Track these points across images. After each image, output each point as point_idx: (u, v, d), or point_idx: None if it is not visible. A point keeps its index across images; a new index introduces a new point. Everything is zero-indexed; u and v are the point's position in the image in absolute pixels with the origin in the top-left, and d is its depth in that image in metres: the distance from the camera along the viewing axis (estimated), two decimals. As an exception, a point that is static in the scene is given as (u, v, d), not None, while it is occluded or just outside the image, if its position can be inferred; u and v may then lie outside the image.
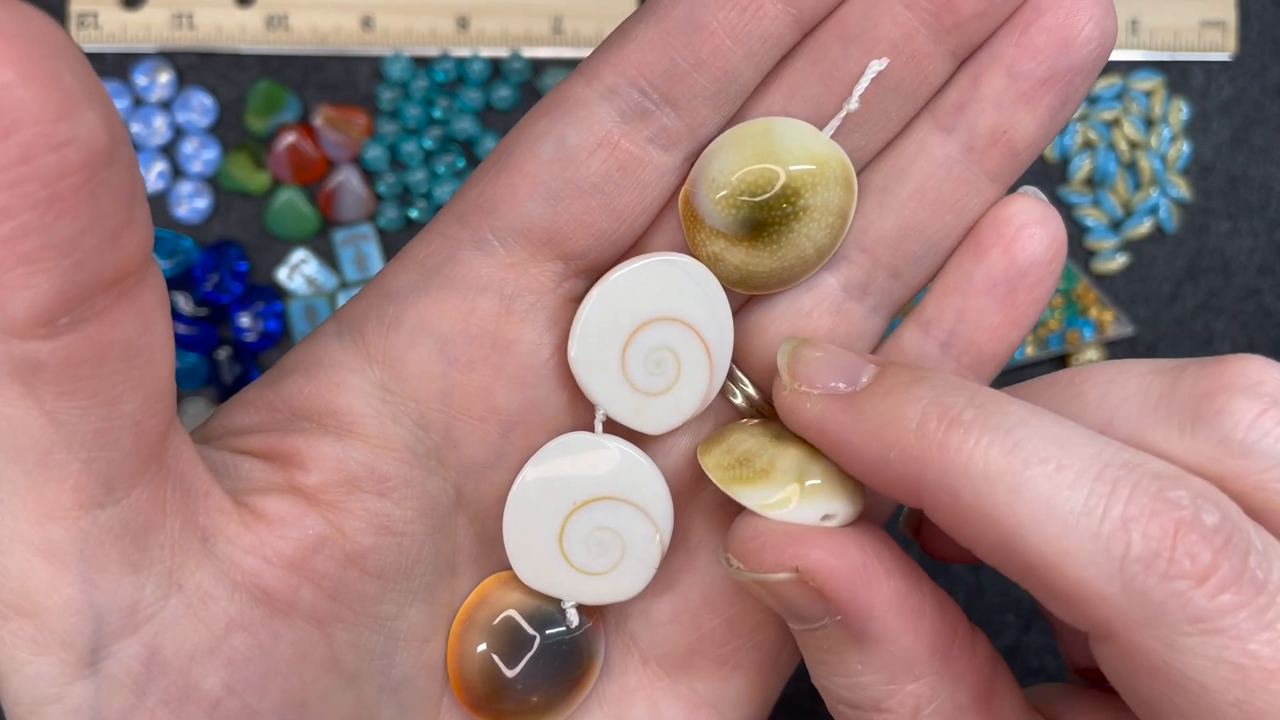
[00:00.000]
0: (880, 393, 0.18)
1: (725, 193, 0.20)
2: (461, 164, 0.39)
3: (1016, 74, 0.20)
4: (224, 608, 0.18)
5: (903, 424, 0.17)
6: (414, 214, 0.39)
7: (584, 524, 0.21)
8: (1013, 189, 0.21)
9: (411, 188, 0.39)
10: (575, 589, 0.21)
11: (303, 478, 0.19)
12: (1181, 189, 0.39)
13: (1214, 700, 0.15)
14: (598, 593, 0.21)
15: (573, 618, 0.22)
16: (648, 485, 0.21)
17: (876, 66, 0.20)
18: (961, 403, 0.17)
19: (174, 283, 0.38)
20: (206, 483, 0.18)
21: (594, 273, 0.21)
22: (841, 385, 0.19)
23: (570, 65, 0.39)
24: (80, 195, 0.15)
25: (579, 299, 0.21)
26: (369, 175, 0.39)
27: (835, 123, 0.21)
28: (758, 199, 0.20)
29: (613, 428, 0.21)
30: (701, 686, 0.22)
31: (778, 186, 0.20)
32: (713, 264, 0.21)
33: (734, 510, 0.20)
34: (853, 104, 0.20)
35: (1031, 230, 0.20)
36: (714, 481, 0.20)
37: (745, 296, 0.22)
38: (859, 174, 0.21)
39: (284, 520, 0.19)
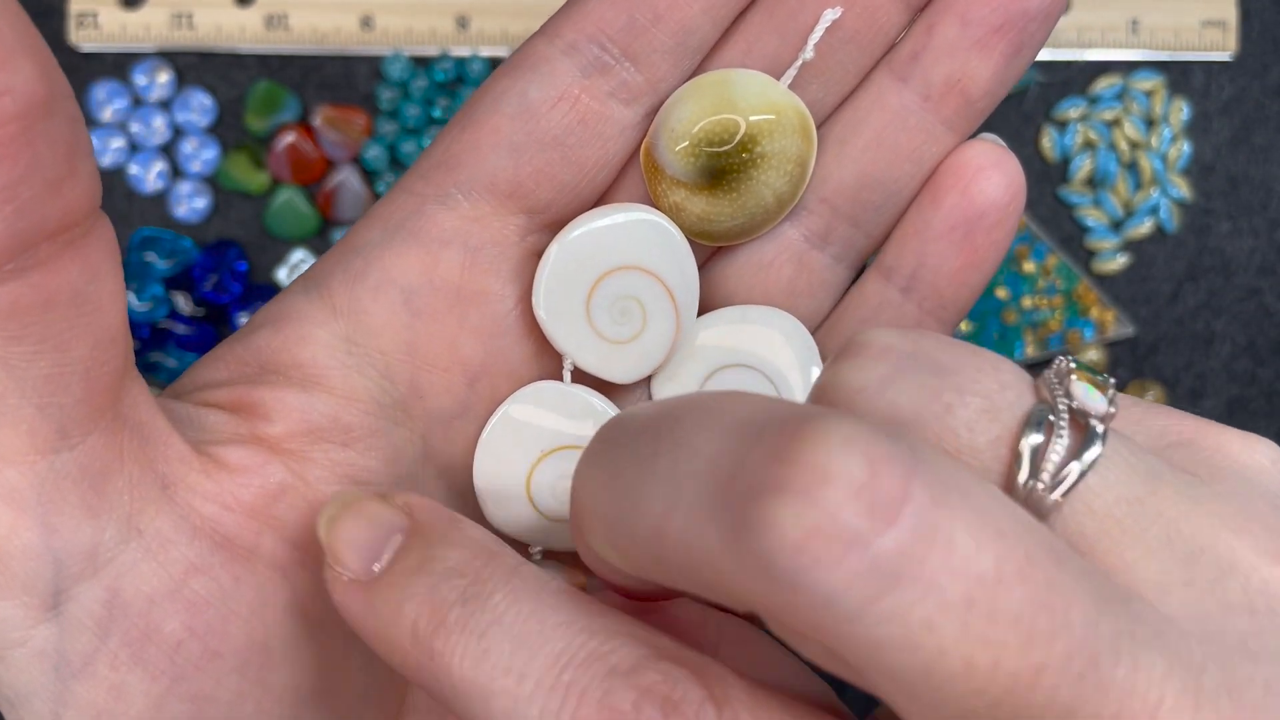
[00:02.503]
0: (387, 584, 0.17)
1: (686, 143, 0.21)
2: (461, 164, 0.39)
3: (969, 21, 0.20)
4: (183, 552, 0.18)
5: (401, 626, 0.16)
6: (413, 214, 0.39)
7: (551, 472, 0.21)
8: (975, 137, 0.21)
9: (411, 188, 0.39)
10: (544, 534, 0.22)
11: (266, 428, 0.20)
12: (1182, 189, 0.39)
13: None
14: (566, 537, 0.22)
15: (538, 559, 0.22)
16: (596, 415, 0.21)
17: (830, 15, 0.20)
18: (452, 598, 0.16)
19: (173, 283, 0.38)
20: (165, 432, 0.18)
21: (557, 227, 0.21)
22: (358, 567, 0.17)
23: (570, 65, 0.39)
24: (17, 144, 0.15)
25: (542, 253, 0.21)
26: (368, 175, 0.39)
27: (792, 72, 0.21)
28: (718, 149, 0.21)
29: (581, 377, 0.22)
30: None
31: (738, 136, 0.21)
32: (674, 214, 0.21)
33: None
34: (808, 53, 0.21)
35: (989, 173, 0.21)
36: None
37: (709, 250, 0.22)
38: (819, 127, 0.21)
39: (246, 468, 0.19)
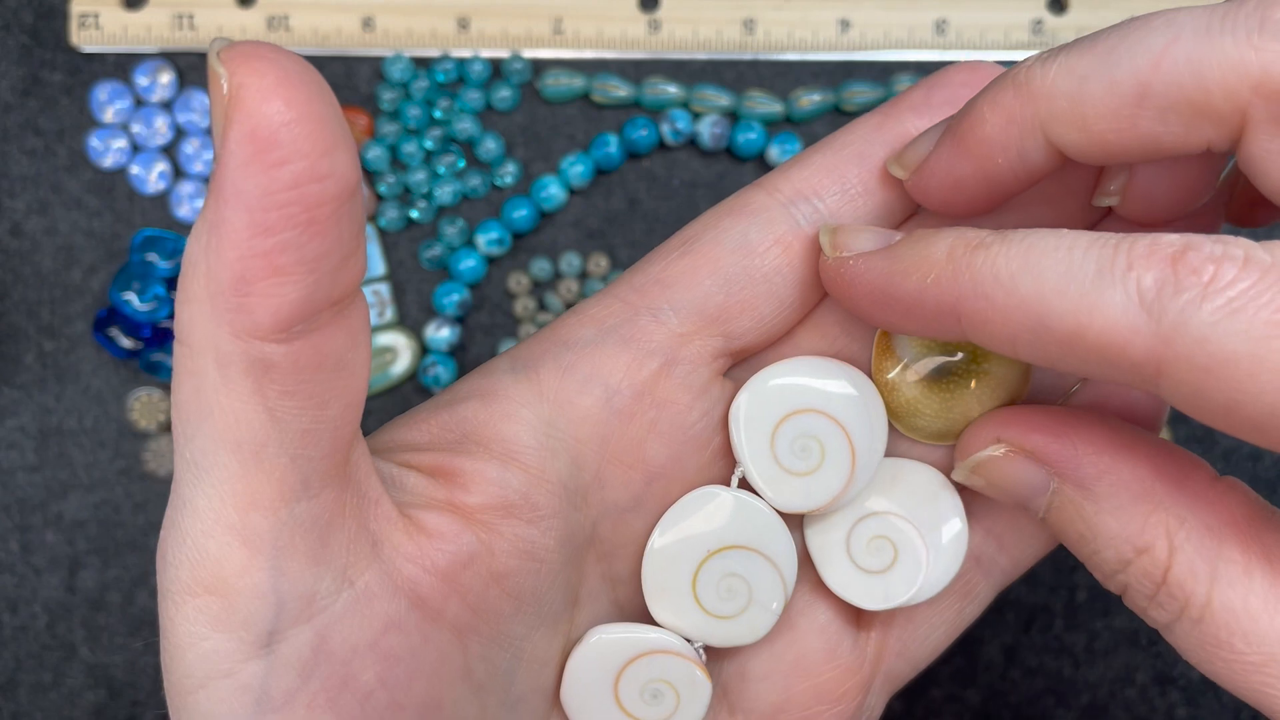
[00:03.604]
0: (910, 242, 0.20)
1: (924, 341, 0.23)
2: (462, 164, 0.39)
3: None
4: (385, 607, 0.20)
5: (934, 256, 0.19)
6: (415, 214, 0.39)
7: (716, 570, 0.22)
8: None
9: (412, 188, 0.39)
10: (705, 631, 0.23)
11: (464, 497, 0.21)
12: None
13: (1266, 363, 0.16)
14: (725, 635, 0.23)
15: (700, 655, 0.23)
16: (776, 538, 0.22)
17: None
18: (982, 233, 0.19)
19: (175, 283, 0.38)
20: (379, 492, 0.20)
21: (746, 353, 0.23)
22: (876, 246, 0.21)
23: (570, 66, 0.39)
24: (330, 222, 0.17)
25: (724, 374, 0.23)
26: (370, 175, 0.39)
27: None
28: (951, 356, 0.23)
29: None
30: None
31: (973, 349, 0.23)
32: (888, 390, 0.23)
33: (824, 590, 0.23)
34: None
35: None
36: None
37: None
38: None
39: (443, 534, 0.20)
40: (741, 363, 0.23)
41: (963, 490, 0.23)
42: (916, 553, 0.23)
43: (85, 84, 0.38)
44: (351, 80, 0.39)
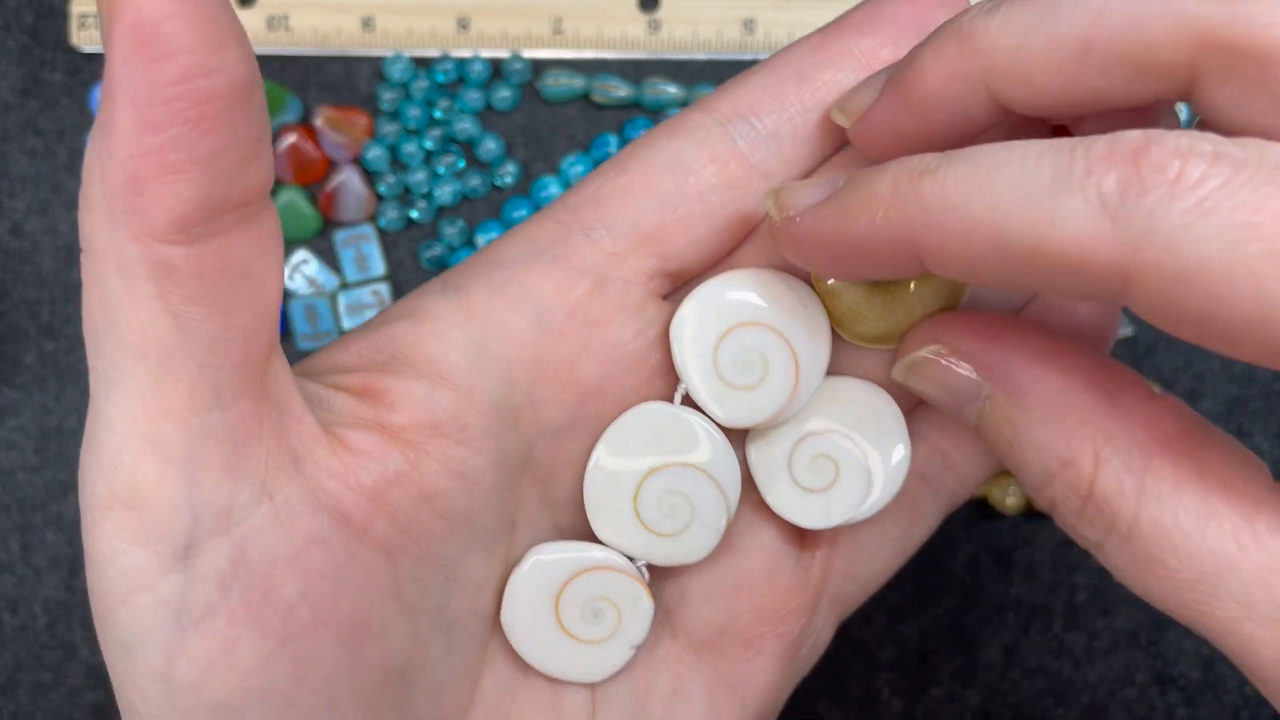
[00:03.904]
0: (853, 183, 0.19)
1: None
2: (462, 164, 0.39)
3: None
4: (306, 523, 0.19)
5: (879, 193, 0.18)
6: (415, 214, 0.39)
7: (658, 487, 0.22)
8: None
9: (412, 188, 0.39)
10: (648, 549, 0.22)
11: (390, 416, 0.21)
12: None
13: (1241, 269, 0.15)
14: (667, 553, 0.23)
15: (643, 574, 0.23)
16: (719, 454, 0.22)
17: None
18: (927, 159, 0.18)
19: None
20: (300, 409, 0.20)
21: (680, 276, 0.23)
22: (821, 197, 0.20)
23: (570, 66, 0.39)
24: (222, 119, 0.17)
25: (663, 297, 0.23)
26: (370, 175, 0.39)
27: None
28: None
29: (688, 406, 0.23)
30: (724, 667, 0.23)
31: None
32: (828, 298, 0.22)
33: (767, 512, 0.23)
34: None
35: None
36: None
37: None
38: None
39: (368, 453, 0.20)
40: (683, 285, 0.23)
41: (908, 409, 0.23)
42: (858, 471, 0.23)
43: (85, 84, 0.38)
44: (351, 80, 0.39)
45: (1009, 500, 0.38)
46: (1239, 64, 0.17)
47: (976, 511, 0.38)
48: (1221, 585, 0.17)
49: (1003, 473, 0.38)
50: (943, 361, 0.20)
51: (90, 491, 0.19)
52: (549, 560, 0.22)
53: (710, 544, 0.22)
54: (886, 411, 0.23)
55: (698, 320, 0.22)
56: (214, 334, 0.18)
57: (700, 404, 0.22)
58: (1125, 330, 0.39)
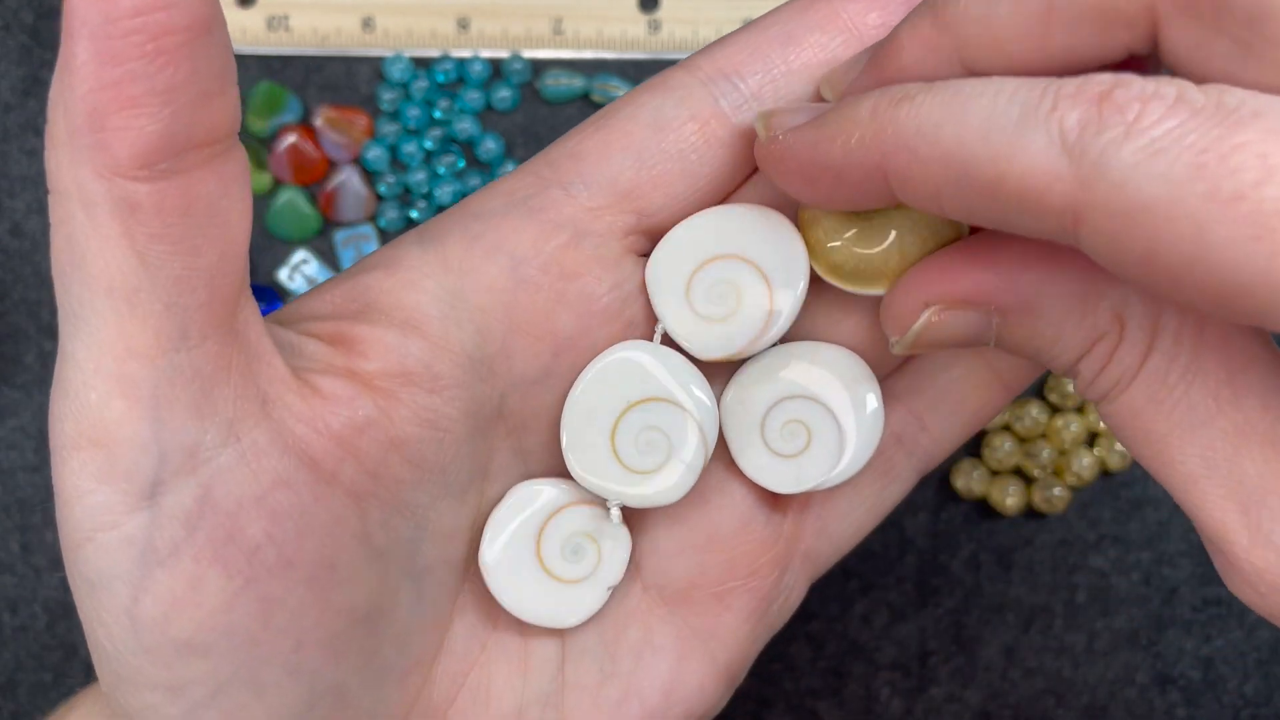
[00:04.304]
0: (837, 108, 0.19)
1: None
2: (462, 164, 0.39)
3: None
4: (273, 464, 0.20)
5: (858, 116, 0.19)
6: (415, 214, 0.39)
7: (635, 423, 0.22)
8: None
9: (412, 188, 0.39)
10: (624, 485, 0.23)
11: (362, 363, 0.21)
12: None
13: (1181, 209, 0.15)
14: (643, 492, 0.23)
15: (616, 517, 0.23)
16: (698, 393, 0.22)
17: None
18: (908, 86, 0.18)
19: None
20: (270, 352, 0.20)
21: (657, 233, 0.22)
22: (808, 119, 0.20)
23: (570, 66, 0.39)
24: (181, 53, 0.17)
25: (640, 253, 0.23)
26: (370, 176, 0.39)
27: None
28: None
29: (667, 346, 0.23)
30: (694, 620, 0.24)
31: None
32: (807, 225, 0.22)
33: (739, 472, 0.23)
34: None
35: None
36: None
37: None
38: None
39: (338, 398, 0.20)
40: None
41: (882, 370, 0.23)
42: (830, 437, 0.23)
43: (85, 84, 0.38)
44: (351, 80, 0.39)
45: (1009, 500, 0.38)
46: (1195, 5, 0.17)
47: (976, 511, 0.38)
48: (1191, 439, 0.18)
49: (1003, 473, 0.38)
50: (944, 319, 0.20)
51: (58, 430, 0.19)
52: (533, 494, 0.23)
53: (687, 483, 0.22)
54: (861, 377, 0.23)
55: (674, 254, 0.22)
56: (180, 273, 0.18)
57: (675, 339, 0.22)
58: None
